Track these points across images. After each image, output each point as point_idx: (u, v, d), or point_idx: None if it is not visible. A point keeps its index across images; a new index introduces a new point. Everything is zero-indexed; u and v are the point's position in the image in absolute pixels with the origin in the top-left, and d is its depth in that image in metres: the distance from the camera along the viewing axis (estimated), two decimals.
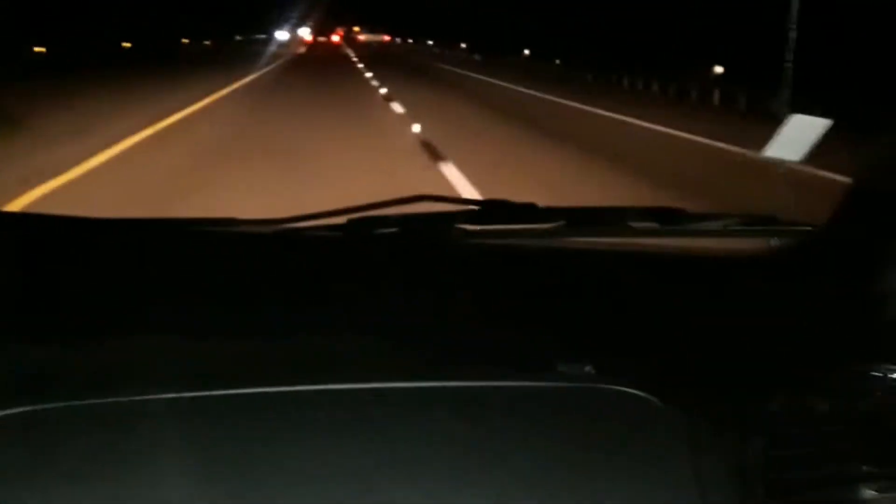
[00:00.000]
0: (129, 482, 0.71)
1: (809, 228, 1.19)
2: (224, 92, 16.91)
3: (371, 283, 1.06)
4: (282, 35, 67.20)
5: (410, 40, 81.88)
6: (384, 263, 1.14)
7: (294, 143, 9.12)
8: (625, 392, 0.83)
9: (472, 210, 1.22)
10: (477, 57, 40.28)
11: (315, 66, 30.38)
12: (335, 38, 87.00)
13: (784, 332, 0.96)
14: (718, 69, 21.29)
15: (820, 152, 1.35)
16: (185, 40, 47.55)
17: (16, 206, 5.44)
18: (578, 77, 27.51)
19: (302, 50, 54.80)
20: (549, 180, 7.23)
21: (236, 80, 20.22)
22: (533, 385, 0.85)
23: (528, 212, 1.24)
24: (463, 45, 49.71)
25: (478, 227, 1.22)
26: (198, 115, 12.48)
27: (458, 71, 30.53)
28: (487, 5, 51.33)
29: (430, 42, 64.86)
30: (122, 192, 6.41)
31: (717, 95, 17.79)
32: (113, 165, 7.81)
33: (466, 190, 6.54)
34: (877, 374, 0.90)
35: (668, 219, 1.25)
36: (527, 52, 41.31)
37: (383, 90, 17.75)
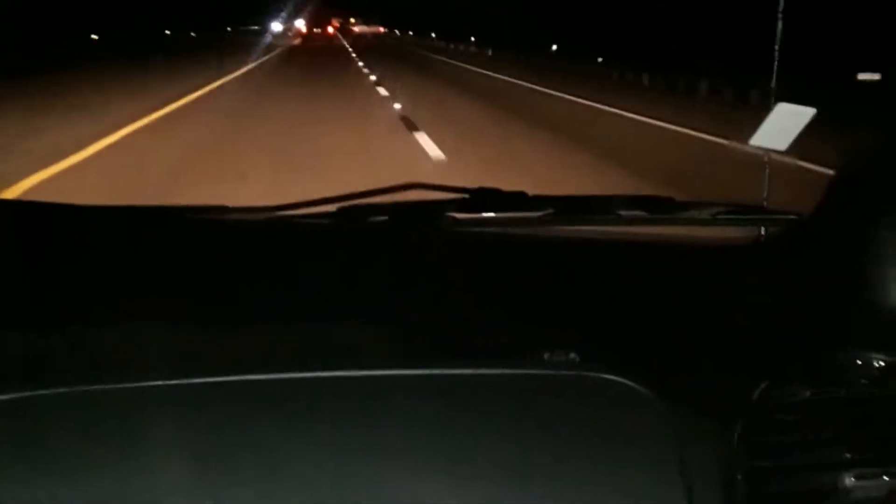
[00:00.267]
0: (119, 471, 0.73)
1: (796, 217, 1.19)
2: (199, 93, 15.26)
3: (360, 271, 1.08)
4: (276, 26, 66.64)
5: (410, 33, 79.77)
6: (374, 251, 1.15)
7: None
8: (609, 380, 0.84)
9: (462, 198, 1.22)
10: (489, 52, 37.66)
11: (307, 65, 27.12)
12: (330, 29, 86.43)
13: (769, 320, 0.98)
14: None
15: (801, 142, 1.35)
16: (167, 31, 45.01)
17: None
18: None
19: (297, 42, 53.84)
20: None
21: (218, 78, 18.63)
22: (517, 373, 0.85)
23: (517, 200, 1.25)
24: (472, 39, 46.66)
25: (467, 216, 1.23)
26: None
27: (479, 70, 25.97)
28: None
29: (433, 35, 62.17)
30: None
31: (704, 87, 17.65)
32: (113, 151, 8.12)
33: None
34: (861, 361, 0.90)
35: (656, 207, 1.27)
36: (554, 47, 35.51)
37: (397, 105, 13.57)
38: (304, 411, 0.79)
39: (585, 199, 1.30)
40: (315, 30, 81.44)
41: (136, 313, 0.89)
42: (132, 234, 1.16)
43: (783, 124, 1.36)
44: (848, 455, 0.86)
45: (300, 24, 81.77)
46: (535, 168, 7.95)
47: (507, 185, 1.26)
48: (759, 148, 1.39)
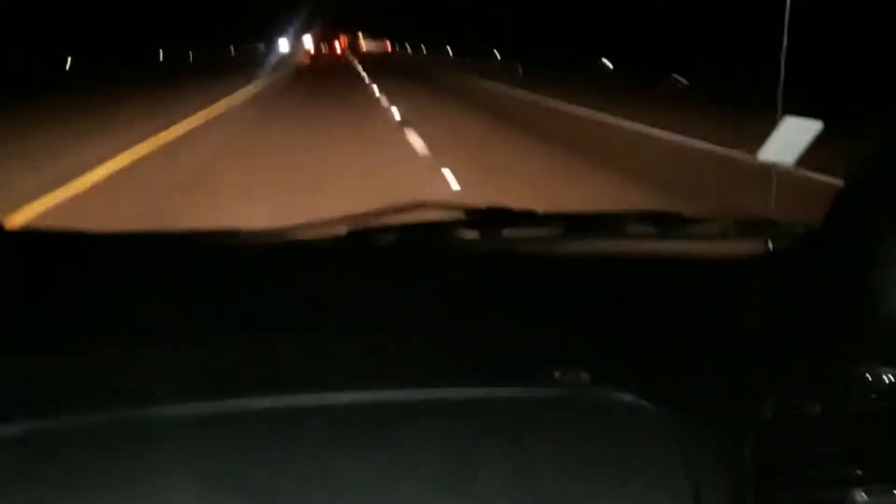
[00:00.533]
0: (133, 497, 0.74)
1: (804, 230, 1.19)
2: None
3: (370, 292, 1.09)
4: (283, 45, 66.77)
5: (423, 49, 77.71)
6: (384, 272, 1.17)
7: None
8: (620, 398, 0.85)
9: (473, 217, 1.23)
10: (519, 70, 31.98)
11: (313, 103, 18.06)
12: (338, 47, 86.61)
13: (779, 334, 0.99)
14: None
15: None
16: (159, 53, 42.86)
17: None
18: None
19: (305, 62, 53.09)
20: None
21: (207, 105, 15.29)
22: (528, 392, 0.86)
23: (527, 218, 1.25)
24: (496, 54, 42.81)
25: (478, 235, 1.25)
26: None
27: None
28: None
29: (451, 51, 58.01)
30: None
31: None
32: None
33: None
34: (871, 375, 0.90)
35: (665, 223, 1.27)
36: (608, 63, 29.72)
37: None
38: (314, 435, 0.80)
39: (595, 215, 1.31)
40: (323, 48, 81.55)
41: (146, 339, 0.92)
42: (143, 258, 1.19)
43: (791, 138, 1.37)
44: (858, 471, 0.86)
45: (307, 41, 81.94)
46: None
47: None
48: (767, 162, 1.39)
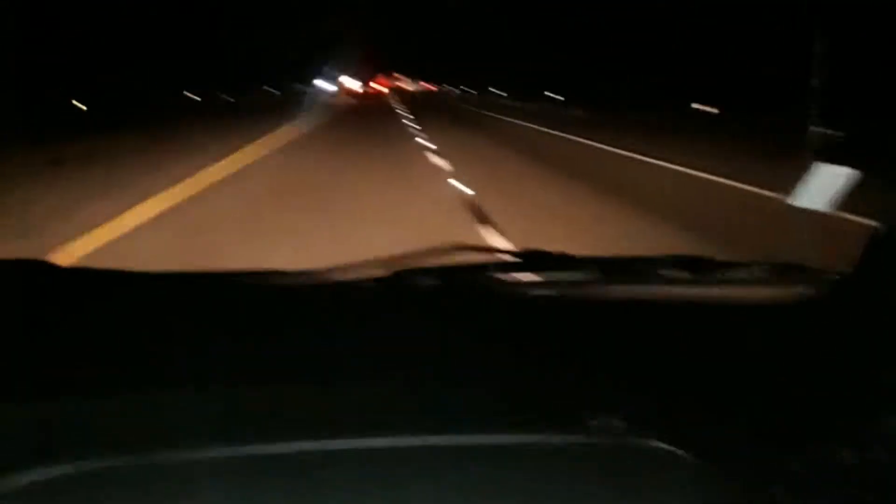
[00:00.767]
0: None
1: (837, 276, 1.20)
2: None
3: (407, 335, 1.10)
4: (322, 85, 67.48)
5: (471, 90, 76.78)
6: (422, 314, 1.19)
7: None
8: (656, 447, 0.84)
9: (510, 260, 1.25)
10: (580, 113, 29.13)
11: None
12: (379, 87, 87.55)
13: (814, 382, 0.98)
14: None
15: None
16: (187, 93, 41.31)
17: None
18: None
19: (344, 100, 52.72)
20: None
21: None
22: (562, 439, 0.86)
23: (563, 261, 1.27)
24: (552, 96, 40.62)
25: (515, 277, 1.28)
26: None
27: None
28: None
29: (498, 91, 56.63)
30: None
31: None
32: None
33: None
34: None
35: (698, 268, 1.28)
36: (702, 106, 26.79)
37: None
38: (347, 481, 0.81)
39: (630, 260, 1.33)
40: (362, 88, 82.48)
41: (183, 381, 0.93)
42: (182, 299, 1.22)
43: (825, 184, 1.38)
44: None
45: (348, 82, 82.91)
46: None
47: None
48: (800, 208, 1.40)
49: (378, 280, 1.26)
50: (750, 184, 9.44)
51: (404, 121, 25.50)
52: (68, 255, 5.79)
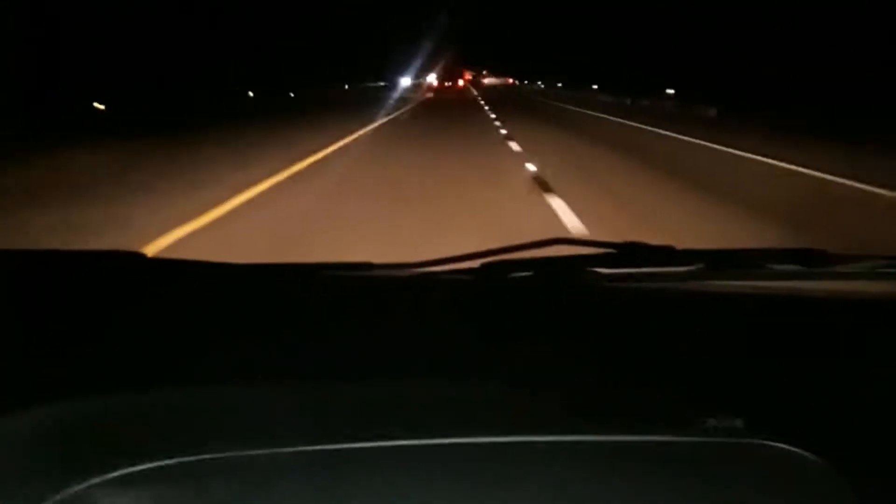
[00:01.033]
0: None
1: None
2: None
3: (504, 329, 1.08)
4: (405, 81, 68.15)
5: (559, 84, 76.98)
6: (518, 309, 1.17)
7: None
8: (779, 448, 0.81)
9: (608, 253, 1.21)
10: (712, 113, 24.67)
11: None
12: (461, 82, 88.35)
13: None
14: None
15: None
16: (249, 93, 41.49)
17: None
18: None
19: (429, 95, 53.37)
20: None
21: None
22: (679, 440, 0.83)
23: (665, 254, 1.24)
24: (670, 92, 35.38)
25: (613, 271, 1.24)
26: None
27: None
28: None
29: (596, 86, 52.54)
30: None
31: None
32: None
33: None
34: None
35: (811, 261, 1.24)
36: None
37: None
38: (441, 479, 0.79)
39: (736, 252, 1.27)
40: (446, 83, 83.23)
41: (277, 373, 0.93)
42: (276, 291, 1.23)
43: None
44: None
45: (432, 78, 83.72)
46: None
47: None
48: None
49: (470, 272, 1.25)
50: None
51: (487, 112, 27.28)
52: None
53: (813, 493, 0.78)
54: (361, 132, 17.33)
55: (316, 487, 0.78)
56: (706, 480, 0.80)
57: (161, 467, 0.78)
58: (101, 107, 24.90)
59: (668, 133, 17.57)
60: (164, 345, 1.00)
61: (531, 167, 10.30)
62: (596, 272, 1.24)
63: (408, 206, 7.26)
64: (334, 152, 12.97)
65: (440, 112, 28.97)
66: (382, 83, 63.61)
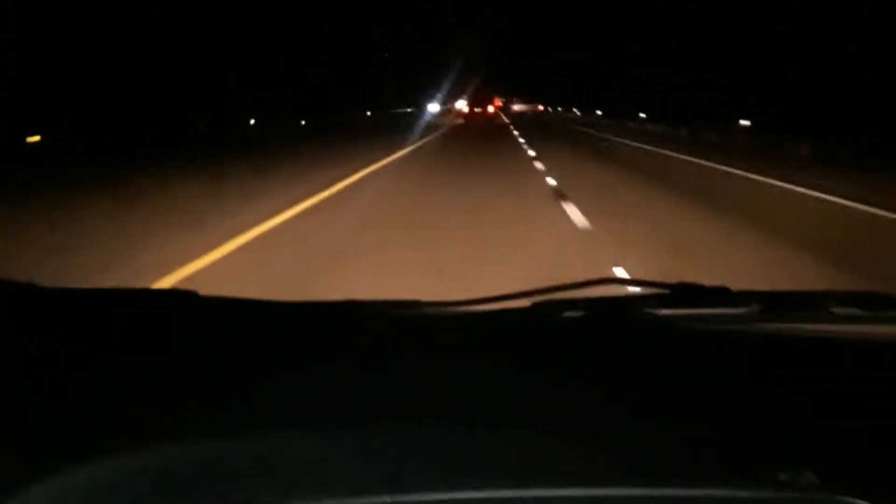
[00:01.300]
0: None
1: None
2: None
3: (556, 370, 1.08)
4: (433, 107, 68.50)
5: (576, 111, 76.15)
6: (570, 349, 1.18)
7: None
8: None
9: (662, 293, 1.23)
10: (804, 151, 21.02)
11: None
12: (490, 108, 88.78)
13: None
14: None
15: None
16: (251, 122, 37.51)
17: None
18: None
19: (459, 122, 53.43)
20: None
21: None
22: (749, 494, 0.81)
23: (719, 295, 1.25)
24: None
25: (667, 312, 1.26)
26: None
27: None
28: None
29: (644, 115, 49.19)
30: None
31: None
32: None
33: None
34: None
35: (873, 304, 1.24)
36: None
37: None
38: None
39: (794, 294, 1.29)
40: (476, 109, 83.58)
41: (317, 421, 0.92)
42: (323, 329, 1.25)
43: None
44: None
45: (461, 104, 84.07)
46: None
47: None
48: None
49: (519, 312, 1.26)
50: None
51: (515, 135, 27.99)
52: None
53: None
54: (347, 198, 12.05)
55: None
56: None
57: None
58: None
59: (770, 181, 13.88)
60: (212, 392, 1.00)
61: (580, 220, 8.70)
62: (650, 313, 1.25)
63: None
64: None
65: (470, 144, 27.19)
66: (409, 109, 63.69)
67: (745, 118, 31.02)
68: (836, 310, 1.25)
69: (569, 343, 1.20)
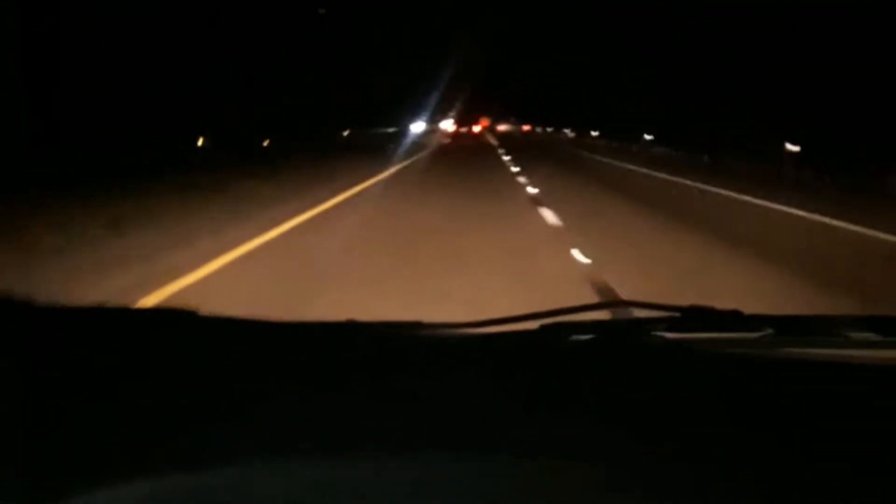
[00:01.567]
0: None
1: None
2: None
3: (563, 396, 1.09)
4: (418, 127, 68.74)
5: (570, 132, 75.37)
6: (578, 374, 1.19)
7: None
8: None
9: (672, 317, 1.25)
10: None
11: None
12: (476, 128, 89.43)
13: None
14: None
15: None
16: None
17: None
18: None
19: (446, 141, 53.58)
20: None
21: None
22: None
23: (731, 319, 1.27)
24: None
25: (678, 336, 1.27)
26: None
27: None
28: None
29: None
30: None
31: None
32: None
33: None
34: None
35: (888, 328, 1.26)
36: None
37: None
38: None
39: (808, 318, 1.31)
40: (461, 129, 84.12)
41: (320, 447, 0.93)
42: (321, 349, 1.26)
43: None
44: None
45: (447, 124, 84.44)
46: None
47: None
48: None
49: (525, 334, 1.28)
50: None
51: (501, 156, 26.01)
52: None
53: None
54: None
55: None
56: None
57: None
58: None
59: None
60: (205, 417, 1.01)
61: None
62: (659, 337, 1.26)
63: None
64: None
65: (456, 168, 25.48)
66: (392, 129, 63.63)
67: (790, 140, 24.58)
68: (853, 335, 1.27)
69: (577, 368, 1.21)
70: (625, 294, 6.12)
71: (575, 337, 1.25)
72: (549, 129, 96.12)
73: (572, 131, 77.25)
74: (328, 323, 1.36)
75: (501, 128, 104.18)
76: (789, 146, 24.34)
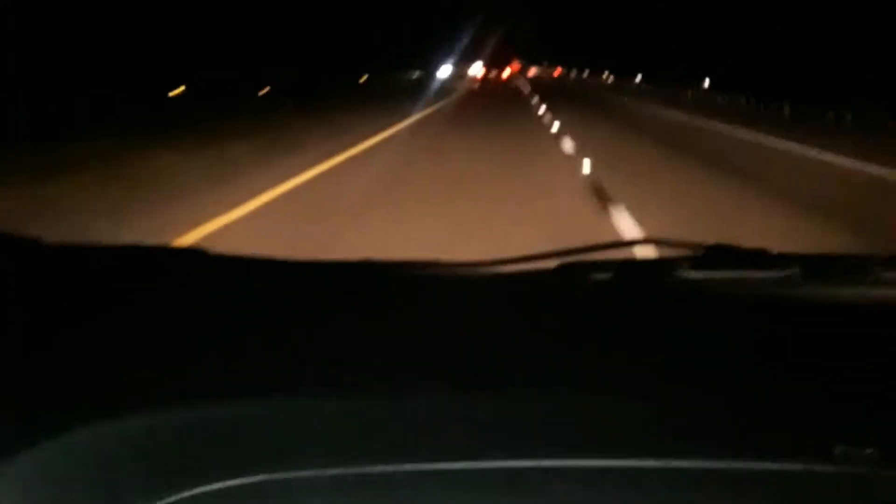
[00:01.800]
0: None
1: None
2: None
3: (582, 336, 1.10)
4: (445, 71, 68.16)
5: (611, 76, 73.31)
6: (598, 314, 1.21)
7: None
8: None
9: (697, 255, 1.26)
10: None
11: None
12: (505, 73, 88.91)
13: None
14: None
15: None
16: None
17: None
18: None
19: (475, 87, 53.12)
20: None
21: None
22: (802, 469, 0.82)
23: (757, 258, 1.29)
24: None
25: (702, 275, 1.28)
26: None
27: None
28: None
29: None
30: None
31: None
32: None
33: None
34: None
35: None
36: None
37: None
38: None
39: (837, 257, 1.31)
40: (491, 75, 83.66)
41: (348, 387, 0.94)
42: (341, 289, 1.28)
43: None
44: None
45: (476, 69, 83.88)
46: None
47: None
48: None
49: (544, 274, 1.29)
50: None
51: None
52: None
53: None
54: None
55: None
56: None
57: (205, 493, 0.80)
58: None
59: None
60: (214, 354, 1.02)
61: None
62: (682, 276, 1.26)
63: None
64: None
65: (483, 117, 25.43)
66: (416, 74, 62.83)
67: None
68: (885, 274, 1.26)
69: (596, 307, 1.22)
70: None
71: (595, 276, 1.26)
72: (584, 74, 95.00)
73: (614, 75, 76.00)
74: (344, 262, 1.37)
75: (531, 73, 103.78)
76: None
